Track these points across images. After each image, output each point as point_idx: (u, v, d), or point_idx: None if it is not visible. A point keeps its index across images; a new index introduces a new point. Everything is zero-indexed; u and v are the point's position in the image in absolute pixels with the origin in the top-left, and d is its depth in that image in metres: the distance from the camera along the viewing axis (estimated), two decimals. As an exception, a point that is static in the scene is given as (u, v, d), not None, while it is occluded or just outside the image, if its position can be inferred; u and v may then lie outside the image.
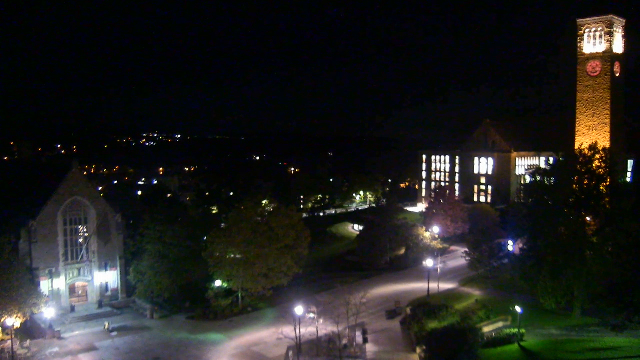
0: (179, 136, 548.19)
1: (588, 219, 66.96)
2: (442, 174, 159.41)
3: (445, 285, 78.06)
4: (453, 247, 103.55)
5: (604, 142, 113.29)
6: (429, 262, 75.06)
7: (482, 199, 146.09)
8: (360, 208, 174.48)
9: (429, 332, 55.87)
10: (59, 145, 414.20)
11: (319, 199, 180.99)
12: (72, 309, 74.76)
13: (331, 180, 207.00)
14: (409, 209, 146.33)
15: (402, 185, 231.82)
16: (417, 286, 78.85)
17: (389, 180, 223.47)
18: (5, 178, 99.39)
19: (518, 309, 55.33)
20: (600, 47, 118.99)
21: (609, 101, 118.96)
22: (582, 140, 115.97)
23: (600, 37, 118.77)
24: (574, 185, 66.74)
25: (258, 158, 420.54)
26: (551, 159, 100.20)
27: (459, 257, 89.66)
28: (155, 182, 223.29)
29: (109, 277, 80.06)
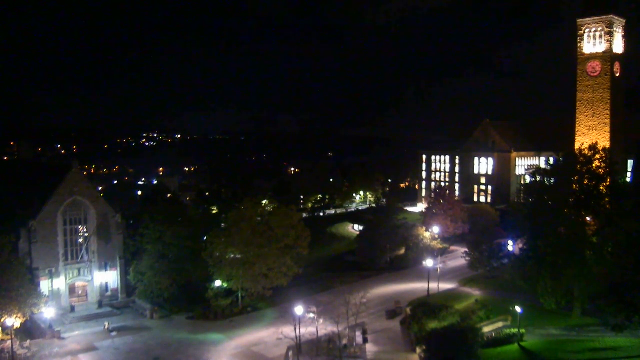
0: (179, 136, 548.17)
1: (588, 219, 66.93)
2: (442, 174, 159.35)
3: (445, 285, 78.04)
4: (453, 247, 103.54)
5: (604, 142, 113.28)
6: (429, 262, 75.06)
7: (482, 199, 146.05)
8: (360, 208, 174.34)
9: (429, 332, 55.83)
10: (59, 145, 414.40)
11: (319, 199, 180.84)
12: (72, 309, 74.75)
13: (331, 180, 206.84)
14: (409, 209, 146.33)
15: (402, 185, 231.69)
16: (417, 286, 78.83)
17: (389, 180, 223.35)
18: (5, 178, 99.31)
19: (518, 309, 55.38)
20: (600, 47, 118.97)
21: (609, 101, 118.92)
22: (582, 140, 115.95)
23: (600, 37, 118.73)
24: (574, 186, 66.74)
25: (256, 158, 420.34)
26: (551, 159, 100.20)
27: (459, 257, 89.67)
28: (155, 182, 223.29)
29: (109, 277, 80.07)
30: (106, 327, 67.50)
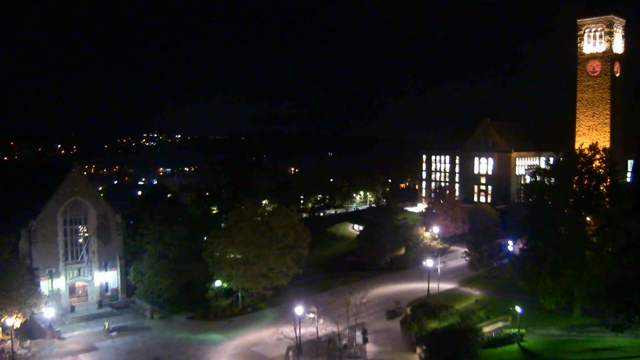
0: (179, 136, 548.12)
1: (588, 219, 66.92)
2: (442, 174, 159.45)
3: (445, 285, 78.07)
4: (453, 247, 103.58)
5: (604, 142, 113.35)
6: (429, 262, 75.05)
7: (482, 199, 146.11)
8: (360, 208, 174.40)
9: (429, 332, 55.88)
10: (59, 145, 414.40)
11: (319, 199, 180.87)
12: (72, 309, 74.77)
13: (331, 180, 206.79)
14: (409, 209, 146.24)
15: (402, 185, 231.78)
16: (417, 286, 78.86)
17: (389, 180, 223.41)
18: (5, 178, 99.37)
19: (518, 309, 55.39)
20: (600, 47, 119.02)
21: (609, 101, 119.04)
22: (582, 140, 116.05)
23: (600, 37, 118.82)
24: (574, 186, 66.70)
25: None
26: (551, 159, 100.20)
27: (459, 257, 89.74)
28: (155, 182, 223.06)
29: (109, 277, 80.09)
30: (106, 327, 67.49)
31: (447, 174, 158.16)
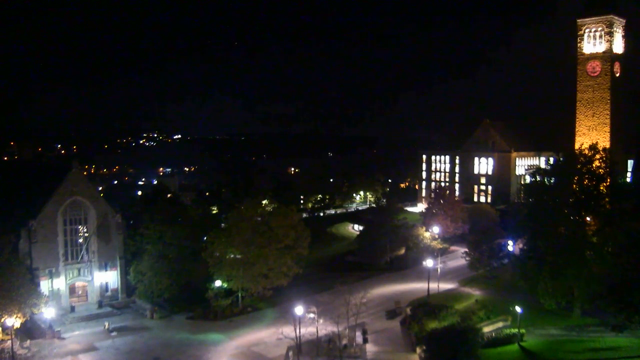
0: (179, 136, 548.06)
1: (588, 219, 66.93)
2: (442, 174, 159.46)
3: (445, 285, 78.07)
4: (453, 247, 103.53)
5: (604, 142, 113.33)
6: (429, 262, 75.02)
7: (482, 199, 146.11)
8: (360, 208, 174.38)
9: (429, 332, 55.84)
10: (59, 145, 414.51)
11: (319, 199, 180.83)
12: (72, 309, 74.75)
13: (331, 180, 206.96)
14: (409, 209, 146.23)
15: (402, 185, 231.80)
16: (417, 286, 78.86)
17: (389, 180, 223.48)
18: (5, 178, 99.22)
19: (518, 309, 55.42)
20: (600, 47, 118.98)
21: (609, 101, 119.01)
22: (582, 140, 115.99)
23: (600, 37, 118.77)
24: (574, 186, 66.70)
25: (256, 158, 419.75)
26: (551, 159, 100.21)
27: (459, 257, 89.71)
28: (155, 182, 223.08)
29: (109, 277, 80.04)
30: (106, 327, 67.52)
31: (447, 174, 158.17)
